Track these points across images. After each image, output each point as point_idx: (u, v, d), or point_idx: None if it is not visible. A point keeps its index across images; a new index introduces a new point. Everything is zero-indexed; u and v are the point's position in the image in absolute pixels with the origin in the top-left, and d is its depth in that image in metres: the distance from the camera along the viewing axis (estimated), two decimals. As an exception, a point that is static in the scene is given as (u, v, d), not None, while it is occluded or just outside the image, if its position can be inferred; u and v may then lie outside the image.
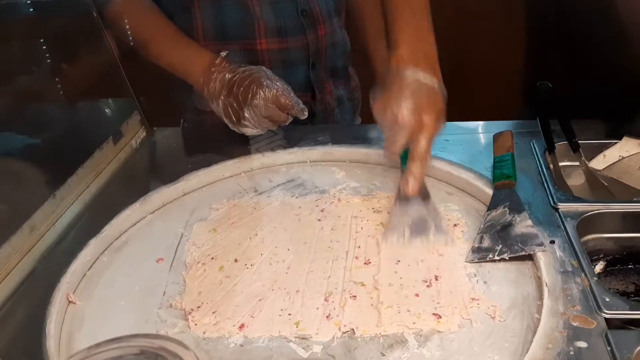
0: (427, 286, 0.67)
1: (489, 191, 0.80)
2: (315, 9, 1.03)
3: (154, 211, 0.84)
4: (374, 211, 0.81)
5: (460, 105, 1.10)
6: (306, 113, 0.90)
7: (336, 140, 0.96)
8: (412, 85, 0.76)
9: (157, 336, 0.38)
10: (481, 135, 0.98)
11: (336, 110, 1.13)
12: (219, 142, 0.99)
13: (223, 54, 0.92)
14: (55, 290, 0.66)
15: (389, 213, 0.78)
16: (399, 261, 0.71)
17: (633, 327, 0.57)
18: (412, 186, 0.74)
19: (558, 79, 0.92)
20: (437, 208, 0.76)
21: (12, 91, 0.82)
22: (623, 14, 0.96)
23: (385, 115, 0.76)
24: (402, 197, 0.75)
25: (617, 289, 0.73)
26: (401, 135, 0.75)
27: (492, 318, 0.62)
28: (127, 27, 1.01)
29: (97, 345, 0.38)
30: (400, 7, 0.84)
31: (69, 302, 0.68)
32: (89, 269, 0.73)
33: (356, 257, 0.72)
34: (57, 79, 0.92)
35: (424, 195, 0.75)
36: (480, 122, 1.01)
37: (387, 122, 0.76)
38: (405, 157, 0.77)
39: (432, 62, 0.79)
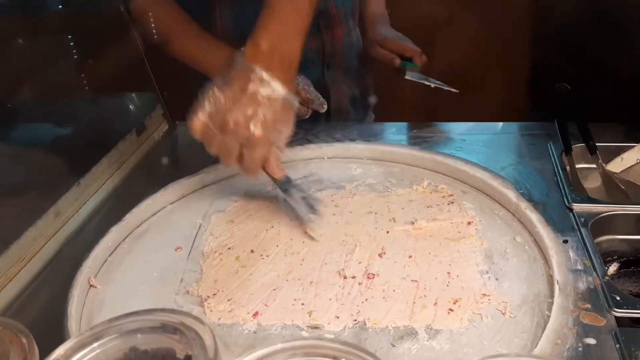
0: (439, 281, 0.67)
1: (504, 190, 0.80)
2: (331, 10, 1.05)
3: (174, 202, 0.87)
4: (389, 207, 0.82)
5: (476, 105, 1.11)
6: (325, 106, 0.91)
7: (353, 137, 0.97)
8: (255, 91, 0.70)
9: (174, 311, 0.39)
10: (497, 136, 0.98)
11: (350, 109, 1.14)
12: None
13: (243, 49, 0.92)
14: (77, 274, 0.69)
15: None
16: (411, 256, 0.72)
17: (642, 326, 0.57)
18: (279, 173, 0.77)
19: (576, 81, 0.92)
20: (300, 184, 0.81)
21: (42, 84, 0.85)
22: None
23: (215, 117, 0.71)
24: (280, 190, 0.79)
25: (631, 291, 0.73)
26: (235, 148, 0.72)
27: (503, 314, 0.62)
28: (152, 22, 1.04)
29: (117, 317, 0.40)
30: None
31: (90, 285, 0.70)
32: (110, 255, 0.76)
33: (369, 251, 0.73)
34: (84, 74, 0.95)
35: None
36: (497, 123, 1.01)
37: (214, 125, 0.71)
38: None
39: (287, 69, 0.73)
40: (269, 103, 0.70)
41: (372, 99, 1.22)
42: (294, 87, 0.74)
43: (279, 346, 0.37)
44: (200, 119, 0.72)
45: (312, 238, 0.76)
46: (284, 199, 0.80)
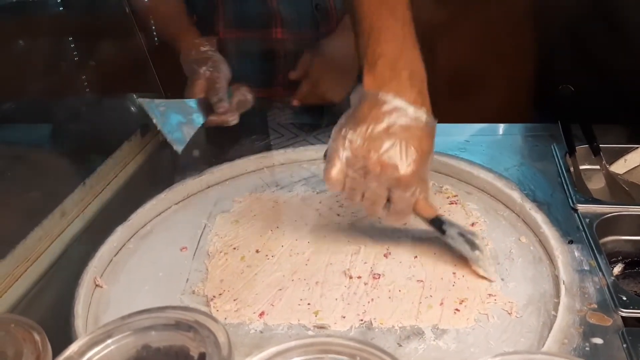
0: (445, 281, 0.67)
1: (508, 191, 0.80)
2: (329, 3, 1.05)
3: (178, 202, 0.87)
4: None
5: (480, 107, 1.12)
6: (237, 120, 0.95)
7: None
8: (394, 120, 0.61)
9: (188, 309, 0.39)
10: (501, 137, 0.99)
11: (345, 102, 1.15)
12: (240, 137, 1.01)
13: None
14: (83, 274, 0.69)
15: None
16: (416, 256, 0.72)
17: (650, 326, 0.58)
18: (433, 212, 0.66)
19: (579, 83, 0.92)
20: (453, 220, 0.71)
21: (47, 85, 0.85)
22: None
23: (354, 163, 0.62)
24: (433, 225, 0.69)
25: (635, 291, 0.73)
26: (382, 192, 0.62)
27: (509, 314, 0.62)
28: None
29: (130, 315, 0.40)
30: (378, 9, 0.64)
31: (96, 285, 0.70)
32: (116, 255, 0.76)
33: (375, 251, 0.73)
34: (89, 74, 0.96)
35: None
36: (500, 125, 1.01)
37: (354, 172, 0.62)
38: None
39: (419, 84, 0.63)
40: (411, 133, 0.60)
41: None
42: (429, 104, 0.63)
43: (292, 343, 0.37)
44: (337, 169, 0.62)
45: (485, 278, 0.67)
46: (444, 240, 0.70)
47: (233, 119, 0.93)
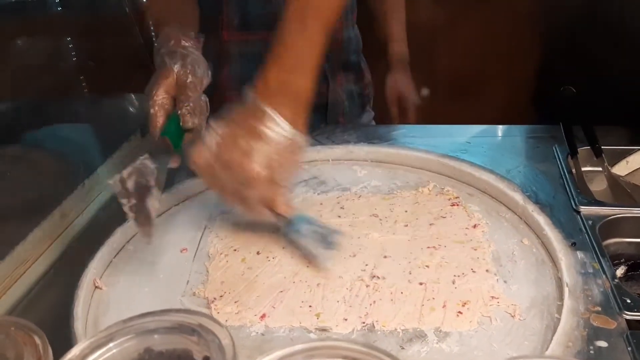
0: (447, 283, 0.67)
1: (510, 193, 0.80)
2: None
3: (178, 203, 0.86)
4: (393, 209, 0.81)
5: (481, 108, 1.11)
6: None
7: (358, 140, 0.97)
8: (261, 130, 0.67)
9: (192, 312, 0.39)
10: (502, 139, 0.98)
11: (345, 103, 1.15)
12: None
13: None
14: (82, 275, 0.68)
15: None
16: (416, 258, 0.71)
17: (653, 329, 0.57)
18: (287, 213, 0.71)
19: (581, 84, 0.92)
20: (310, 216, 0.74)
21: (47, 86, 0.84)
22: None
23: (218, 154, 0.68)
24: (285, 226, 0.73)
25: (638, 294, 0.72)
26: (230, 184, 0.68)
27: (512, 316, 0.62)
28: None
29: (132, 318, 0.39)
30: (293, 20, 0.70)
31: (96, 287, 0.69)
32: (115, 256, 0.75)
33: (375, 253, 0.73)
34: (89, 75, 0.95)
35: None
36: (502, 126, 1.01)
37: (217, 163, 0.68)
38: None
39: (300, 107, 0.70)
40: (274, 142, 0.67)
41: (370, 96, 1.22)
42: (304, 124, 0.69)
43: (297, 347, 0.37)
44: (203, 155, 0.69)
45: (319, 271, 0.70)
46: (291, 238, 0.73)
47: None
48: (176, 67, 0.76)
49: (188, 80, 0.75)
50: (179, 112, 0.74)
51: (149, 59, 1.04)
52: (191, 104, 0.74)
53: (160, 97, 0.75)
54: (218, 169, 0.68)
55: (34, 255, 0.72)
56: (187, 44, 0.80)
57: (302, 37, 0.69)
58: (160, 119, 0.74)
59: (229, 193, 0.70)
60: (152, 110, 0.74)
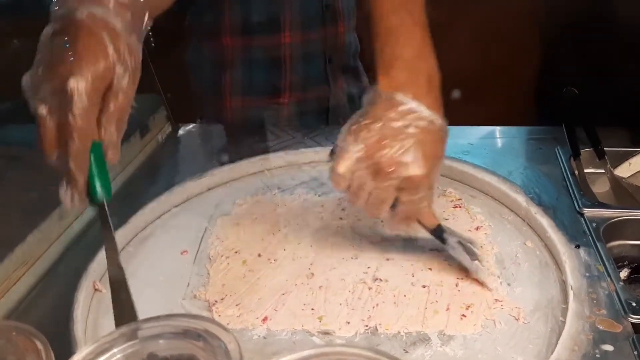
0: (450, 286, 0.67)
1: (513, 195, 0.80)
2: (337, 4, 1.05)
3: (178, 204, 0.85)
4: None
5: (483, 109, 1.11)
6: None
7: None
8: (409, 121, 0.60)
9: (198, 317, 0.38)
10: (504, 140, 0.98)
11: (347, 106, 1.15)
12: (240, 139, 1.01)
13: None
14: (82, 278, 0.67)
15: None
16: (419, 260, 0.71)
17: (659, 332, 0.57)
18: (436, 219, 0.65)
19: (583, 85, 0.92)
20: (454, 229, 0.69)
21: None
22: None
23: (368, 160, 0.60)
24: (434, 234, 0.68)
25: (642, 296, 0.72)
26: (390, 192, 0.60)
27: (516, 320, 0.61)
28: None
29: (136, 323, 0.39)
30: (397, 11, 0.63)
31: (95, 289, 0.68)
32: (115, 258, 0.74)
33: (378, 256, 0.72)
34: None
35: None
36: (504, 127, 1.01)
37: (367, 168, 0.60)
38: None
39: (436, 92, 0.63)
40: (425, 135, 0.59)
41: None
42: (443, 112, 0.62)
43: (305, 353, 0.36)
44: (347, 164, 0.60)
45: (484, 286, 0.66)
46: (446, 250, 0.69)
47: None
48: (110, 50, 0.52)
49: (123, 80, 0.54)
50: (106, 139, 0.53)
51: (148, 59, 1.04)
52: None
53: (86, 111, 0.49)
54: (368, 175, 0.60)
55: (33, 257, 0.71)
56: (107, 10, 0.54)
57: (412, 21, 0.62)
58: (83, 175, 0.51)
59: (381, 202, 0.62)
60: (76, 147, 0.49)
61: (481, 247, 0.71)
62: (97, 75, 0.50)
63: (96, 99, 0.51)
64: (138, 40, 0.57)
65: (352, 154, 0.60)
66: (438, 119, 0.61)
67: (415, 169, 0.59)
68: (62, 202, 0.53)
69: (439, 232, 0.67)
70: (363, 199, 0.62)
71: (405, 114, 0.59)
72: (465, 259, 0.67)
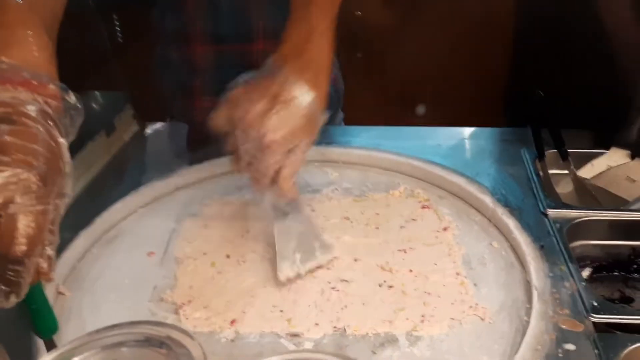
0: (418, 286, 0.67)
1: (480, 196, 0.81)
2: None
3: (145, 205, 0.84)
4: (364, 212, 0.81)
5: (450, 110, 1.12)
6: None
7: (329, 141, 0.97)
8: (276, 92, 0.65)
9: (160, 324, 0.38)
10: (472, 141, 0.99)
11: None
12: (209, 138, 0.99)
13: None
14: (43, 285, 0.65)
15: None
16: (388, 262, 0.71)
17: (619, 332, 0.58)
18: (289, 190, 0.66)
19: (549, 87, 0.94)
20: (309, 218, 0.70)
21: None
22: (612, 25, 0.98)
23: (235, 111, 0.66)
24: (278, 215, 0.69)
25: (603, 295, 0.74)
26: (245, 149, 0.65)
27: (482, 320, 0.62)
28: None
29: (98, 330, 0.38)
30: (306, 3, 0.70)
31: (59, 293, 0.67)
32: (79, 261, 0.73)
33: (347, 257, 0.72)
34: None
35: (299, 204, 0.70)
36: (472, 129, 1.02)
37: (240, 130, 0.65)
38: None
39: (316, 71, 0.68)
40: (291, 106, 0.64)
41: (341, 92, 1.22)
42: (324, 93, 0.67)
43: (274, 358, 0.36)
44: (222, 113, 0.67)
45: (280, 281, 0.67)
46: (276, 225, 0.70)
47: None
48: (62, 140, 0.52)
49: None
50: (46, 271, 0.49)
51: (113, 56, 1.02)
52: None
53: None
54: (234, 127, 0.66)
55: (-7, 260, 0.68)
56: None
57: (313, 6, 0.68)
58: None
59: (238, 155, 0.67)
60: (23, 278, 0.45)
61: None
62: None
63: None
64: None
65: (228, 106, 0.67)
66: (309, 94, 0.65)
67: (269, 131, 0.63)
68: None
69: (291, 206, 0.69)
70: (228, 147, 0.68)
71: (280, 84, 0.65)
72: (285, 248, 0.68)
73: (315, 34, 0.68)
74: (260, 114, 0.63)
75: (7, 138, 0.45)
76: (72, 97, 0.53)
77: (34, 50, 0.54)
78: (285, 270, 0.67)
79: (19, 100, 0.48)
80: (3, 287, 0.43)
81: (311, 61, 0.67)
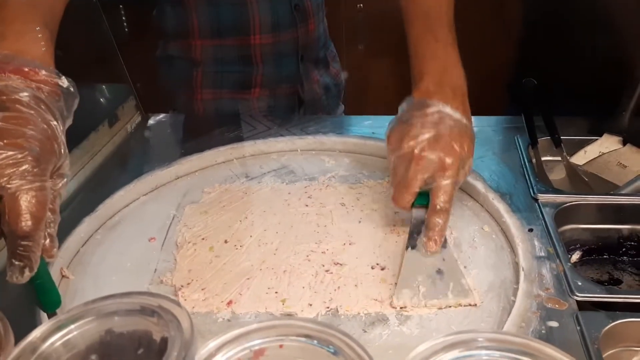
0: (409, 269, 0.69)
1: (472, 181, 0.82)
2: (306, 3, 1.06)
3: (147, 193, 0.87)
4: (359, 198, 0.83)
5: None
6: None
7: (326, 130, 0.99)
8: (437, 118, 0.69)
9: (152, 294, 0.40)
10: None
11: (323, 97, 1.16)
12: (210, 129, 1.01)
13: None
14: (49, 264, 0.68)
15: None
16: (380, 245, 0.73)
17: (602, 310, 0.60)
18: (435, 247, 0.66)
19: (542, 76, 0.95)
20: (455, 258, 0.67)
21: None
22: (607, 13, 0.99)
23: (401, 151, 0.69)
24: (415, 246, 0.68)
25: (592, 277, 0.76)
26: (419, 177, 0.67)
27: (470, 300, 0.64)
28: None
29: (94, 300, 0.40)
30: (423, 35, 0.76)
31: (63, 276, 0.70)
32: (83, 246, 0.75)
33: (341, 241, 0.74)
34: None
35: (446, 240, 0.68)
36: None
37: (401, 159, 0.69)
38: (422, 198, 0.69)
39: (461, 96, 0.73)
40: (452, 129, 0.68)
41: (343, 84, 1.24)
42: (470, 114, 0.73)
43: (254, 326, 0.38)
44: (390, 157, 0.71)
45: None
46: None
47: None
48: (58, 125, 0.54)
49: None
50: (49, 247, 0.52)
51: (116, 49, 1.04)
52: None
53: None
54: (405, 162, 0.69)
55: (2, 244, 0.71)
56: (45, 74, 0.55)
57: (435, 41, 0.74)
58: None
59: (415, 186, 0.69)
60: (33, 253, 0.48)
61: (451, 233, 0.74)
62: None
63: None
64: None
65: (390, 148, 0.72)
66: (463, 119, 0.70)
67: (443, 156, 0.67)
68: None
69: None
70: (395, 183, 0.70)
71: (433, 113, 0.69)
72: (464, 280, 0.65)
73: (450, 66, 0.74)
74: (430, 140, 0.67)
75: (0, 124, 0.48)
76: (64, 82, 0.56)
77: (28, 41, 0.56)
78: (403, 298, 0.64)
79: (11, 88, 0.51)
80: (17, 263, 0.47)
81: (454, 91, 0.72)
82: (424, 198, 0.69)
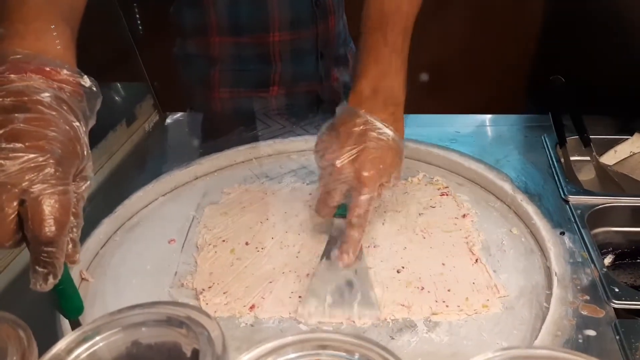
0: (436, 272, 0.67)
1: (499, 182, 0.80)
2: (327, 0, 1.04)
3: (165, 193, 0.85)
4: (383, 199, 0.81)
5: (470, 98, 1.11)
6: None
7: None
8: (362, 130, 0.68)
9: (180, 304, 0.38)
10: (491, 128, 0.98)
11: (343, 96, 1.14)
12: (228, 128, 1.00)
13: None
14: (68, 267, 0.67)
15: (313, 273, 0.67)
16: (405, 248, 0.71)
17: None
18: (347, 260, 0.65)
19: (570, 73, 0.92)
20: (367, 271, 0.67)
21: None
22: (636, 11, 0.96)
23: (324, 162, 0.69)
24: (330, 257, 0.67)
25: (626, 282, 0.73)
26: (339, 190, 0.68)
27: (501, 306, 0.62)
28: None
29: (120, 310, 0.39)
30: (374, 35, 0.71)
31: (82, 278, 0.68)
32: (102, 248, 0.74)
33: (365, 243, 0.72)
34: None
35: (362, 252, 0.68)
36: (491, 115, 1.01)
37: (325, 170, 0.69)
38: (344, 209, 0.69)
39: (392, 106, 0.70)
40: (376, 143, 0.67)
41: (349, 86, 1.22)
42: (402, 126, 0.71)
43: (288, 339, 0.36)
44: (319, 163, 0.70)
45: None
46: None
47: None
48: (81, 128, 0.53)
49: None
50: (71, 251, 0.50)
51: (134, 48, 1.03)
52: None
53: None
54: (326, 173, 0.69)
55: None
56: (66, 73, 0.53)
57: (384, 43, 0.70)
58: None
59: (330, 197, 0.68)
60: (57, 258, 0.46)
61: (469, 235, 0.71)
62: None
63: None
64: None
65: (318, 156, 0.70)
66: (390, 132, 0.68)
67: (362, 170, 0.66)
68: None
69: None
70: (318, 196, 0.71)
71: (361, 126, 0.68)
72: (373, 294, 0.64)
73: (391, 74, 0.71)
74: (352, 154, 0.67)
75: (22, 126, 0.46)
76: (87, 81, 0.54)
77: (48, 40, 0.54)
78: (309, 307, 0.62)
79: (33, 88, 0.49)
80: (40, 269, 0.45)
81: (386, 99, 0.70)
82: (345, 209, 0.68)
